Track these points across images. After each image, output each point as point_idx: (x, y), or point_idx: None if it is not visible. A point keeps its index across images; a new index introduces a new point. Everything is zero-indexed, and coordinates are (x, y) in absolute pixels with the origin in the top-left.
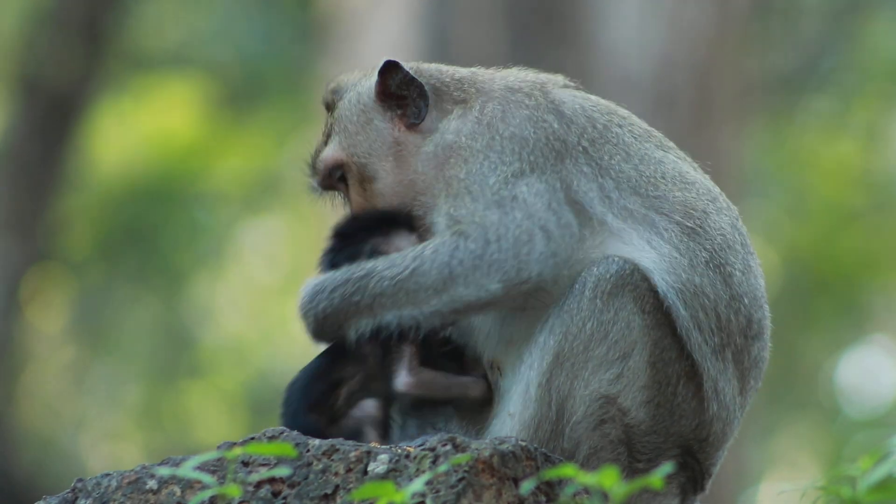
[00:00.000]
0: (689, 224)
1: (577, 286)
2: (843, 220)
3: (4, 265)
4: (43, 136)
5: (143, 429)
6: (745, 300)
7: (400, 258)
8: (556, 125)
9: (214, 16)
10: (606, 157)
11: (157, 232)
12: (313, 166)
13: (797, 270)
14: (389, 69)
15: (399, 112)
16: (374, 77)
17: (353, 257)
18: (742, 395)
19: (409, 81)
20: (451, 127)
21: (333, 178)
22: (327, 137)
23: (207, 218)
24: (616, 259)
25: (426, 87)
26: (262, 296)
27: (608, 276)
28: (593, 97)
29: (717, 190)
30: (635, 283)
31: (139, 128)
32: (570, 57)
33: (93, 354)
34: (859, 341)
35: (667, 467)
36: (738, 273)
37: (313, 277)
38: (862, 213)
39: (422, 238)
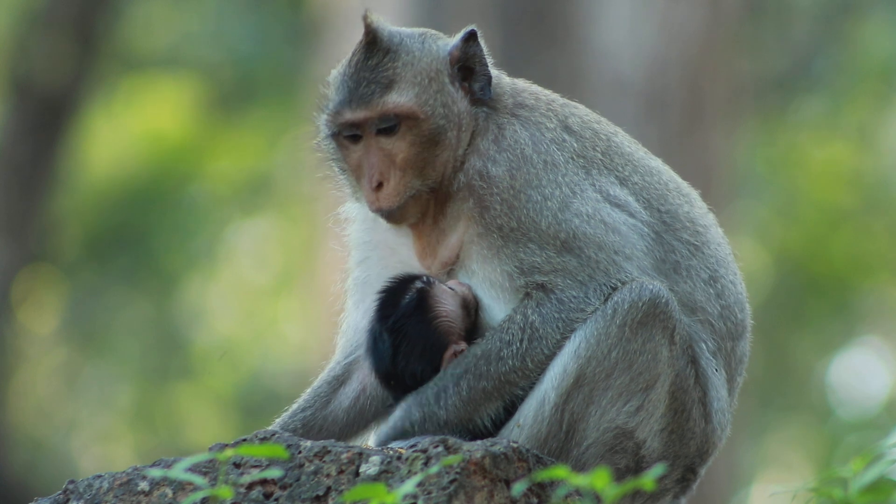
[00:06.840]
0: (694, 242)
1: (608, 309)
2: (834, 221)
3: None
4: (34, 137)
5: (135, 430)
6: (736, 309)
7: (505, 334)
8: (575, 144)
9: (206, 17)
10: (620, 168)
11: (149, 233)
12: (363, 103)
13: (788, 271)
14: (472, 38)
15: (466, 84)
16: (451, 40)
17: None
18: (731, 395)
19: (481, 56)
20: (484, 147)
21: (376, 127)
22: (390, 82)
23: (199, 219)
24: (649, 286)
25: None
26: (254, 297)
27: (640, 303)
28: (580, 106)
29: (695, 193)
30: (669, 312)
31: (130, 129)
32: (562, 59)
33: (84, 356)
34: (851, 342)
35: (658, 469)
36: (729, 285)
37: (410, 397)
38: (853, 214)
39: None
